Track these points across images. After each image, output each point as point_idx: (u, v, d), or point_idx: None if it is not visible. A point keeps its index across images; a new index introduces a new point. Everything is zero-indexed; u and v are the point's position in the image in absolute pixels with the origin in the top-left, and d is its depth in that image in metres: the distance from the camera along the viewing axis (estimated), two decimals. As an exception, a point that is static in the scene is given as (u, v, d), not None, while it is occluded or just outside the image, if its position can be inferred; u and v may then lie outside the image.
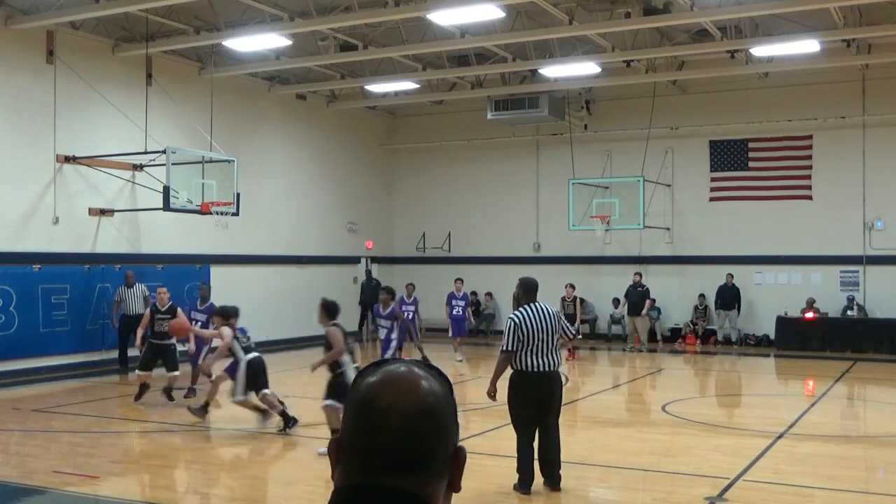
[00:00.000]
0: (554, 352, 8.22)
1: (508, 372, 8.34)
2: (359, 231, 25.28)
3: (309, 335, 22.47)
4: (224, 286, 18.63)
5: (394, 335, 14.14)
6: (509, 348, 8.17)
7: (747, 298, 22.37)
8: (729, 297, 22.21)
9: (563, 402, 8.49)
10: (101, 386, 15.64)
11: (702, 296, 22.73)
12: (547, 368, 8.15)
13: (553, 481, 8.21)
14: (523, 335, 8.09)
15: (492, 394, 8.45)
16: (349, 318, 24.54)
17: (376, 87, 22.45)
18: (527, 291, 8.48)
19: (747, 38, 17.95)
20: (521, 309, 8.29)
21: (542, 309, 8.27)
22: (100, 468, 9.35)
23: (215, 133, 18.36)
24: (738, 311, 22.21)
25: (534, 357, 8.10)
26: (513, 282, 8.93)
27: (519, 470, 8.14)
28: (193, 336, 13.73)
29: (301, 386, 14.08)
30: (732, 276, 22.19)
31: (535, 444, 8.23)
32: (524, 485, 8.08)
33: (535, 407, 8.15)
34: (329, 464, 1.44)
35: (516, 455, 8.19)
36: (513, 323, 8.16)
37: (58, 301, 16.41)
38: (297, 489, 8.65)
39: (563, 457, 8.29)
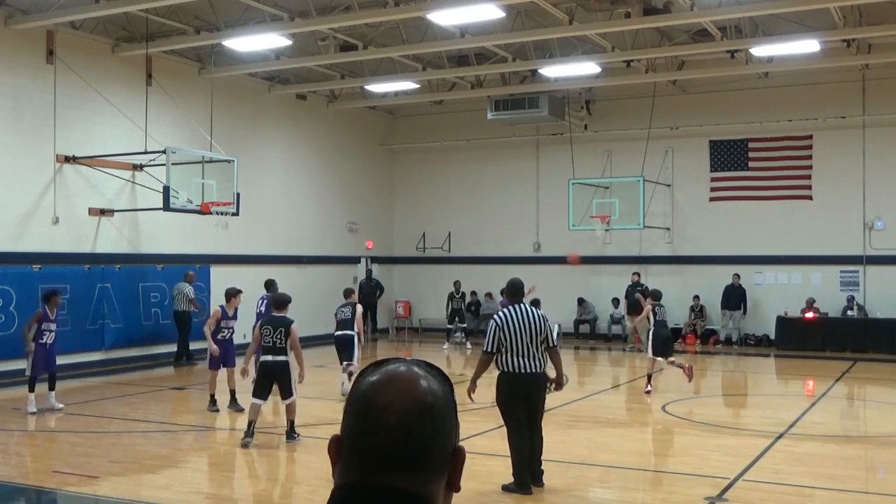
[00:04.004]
0: (539, 354, 8.19)
1: (496, 373, 8.34)
2: (359, 231, 25.28)
3: (309, 335, 22.50)
4: (224, 286, 18.60)
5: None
6: (489, 349, 8.22)
7: (748, 298, 22.35)
8: (735, 297, 22.19)
9: (563, 403, 8.49)
10: (101, 386, 15.65)
11: (696, 297, 22.70)
12: (532, 370, 8.16)
13: (536, 478, 8.24)
14: (505, 337, 8.11)
15: (471, 392, 8.45)
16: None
17: (376, 87, 22.44)
18: (511, 293, 8.49)
19: (747, 38, 17.95)
20: (504, 310, 8.32)
21: (526, 311, 8.28)
22: (100, 468, 9.34)
23: (215, 133, 18.37)
24: (745, 311, 22.19)
25: (518, 358, 8.11)
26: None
27: (516, 471, 8.12)
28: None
29: (300, 386, 14.06)
30: (739, 276, 22.16)
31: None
32: (523, 485, 8.07)
33: (524, 408, 8.18)
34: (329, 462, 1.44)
35: (511, 456, 8.17)
36: (495, 324, 8.21)
37: (58, 301, 16.40)
38: (298, 489, 8.65)
39: (563, 457, 8.30)
